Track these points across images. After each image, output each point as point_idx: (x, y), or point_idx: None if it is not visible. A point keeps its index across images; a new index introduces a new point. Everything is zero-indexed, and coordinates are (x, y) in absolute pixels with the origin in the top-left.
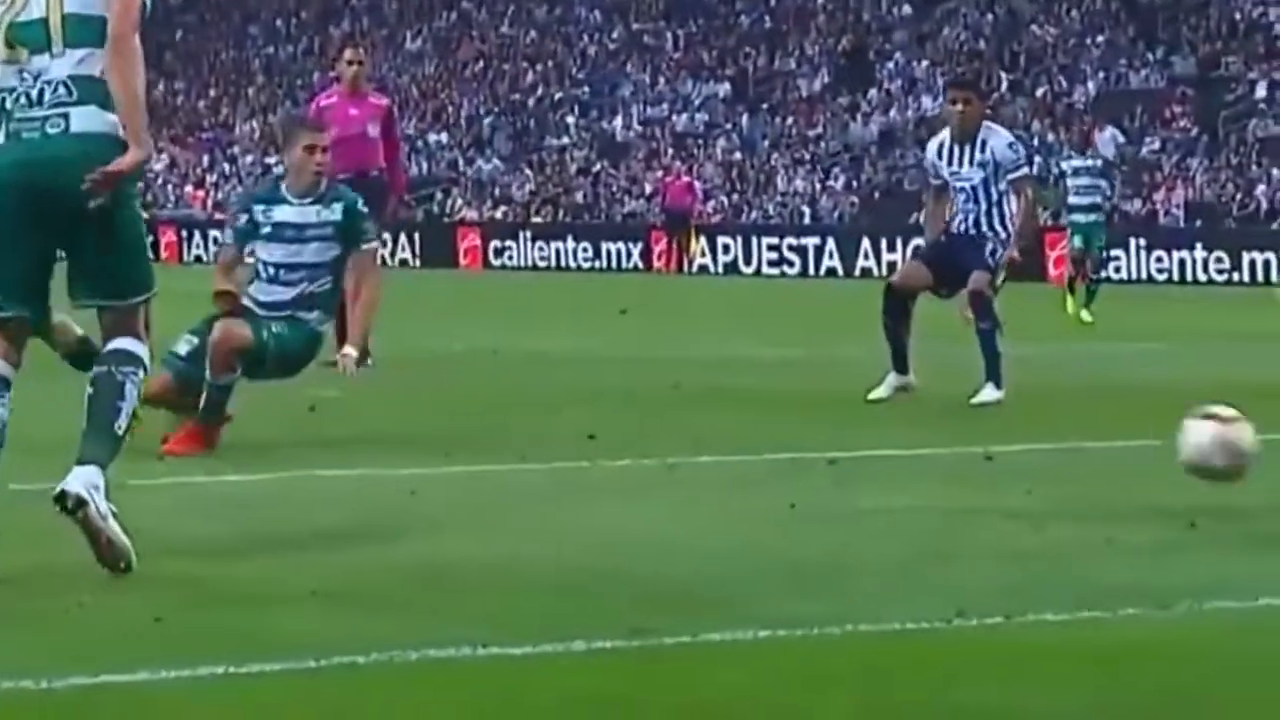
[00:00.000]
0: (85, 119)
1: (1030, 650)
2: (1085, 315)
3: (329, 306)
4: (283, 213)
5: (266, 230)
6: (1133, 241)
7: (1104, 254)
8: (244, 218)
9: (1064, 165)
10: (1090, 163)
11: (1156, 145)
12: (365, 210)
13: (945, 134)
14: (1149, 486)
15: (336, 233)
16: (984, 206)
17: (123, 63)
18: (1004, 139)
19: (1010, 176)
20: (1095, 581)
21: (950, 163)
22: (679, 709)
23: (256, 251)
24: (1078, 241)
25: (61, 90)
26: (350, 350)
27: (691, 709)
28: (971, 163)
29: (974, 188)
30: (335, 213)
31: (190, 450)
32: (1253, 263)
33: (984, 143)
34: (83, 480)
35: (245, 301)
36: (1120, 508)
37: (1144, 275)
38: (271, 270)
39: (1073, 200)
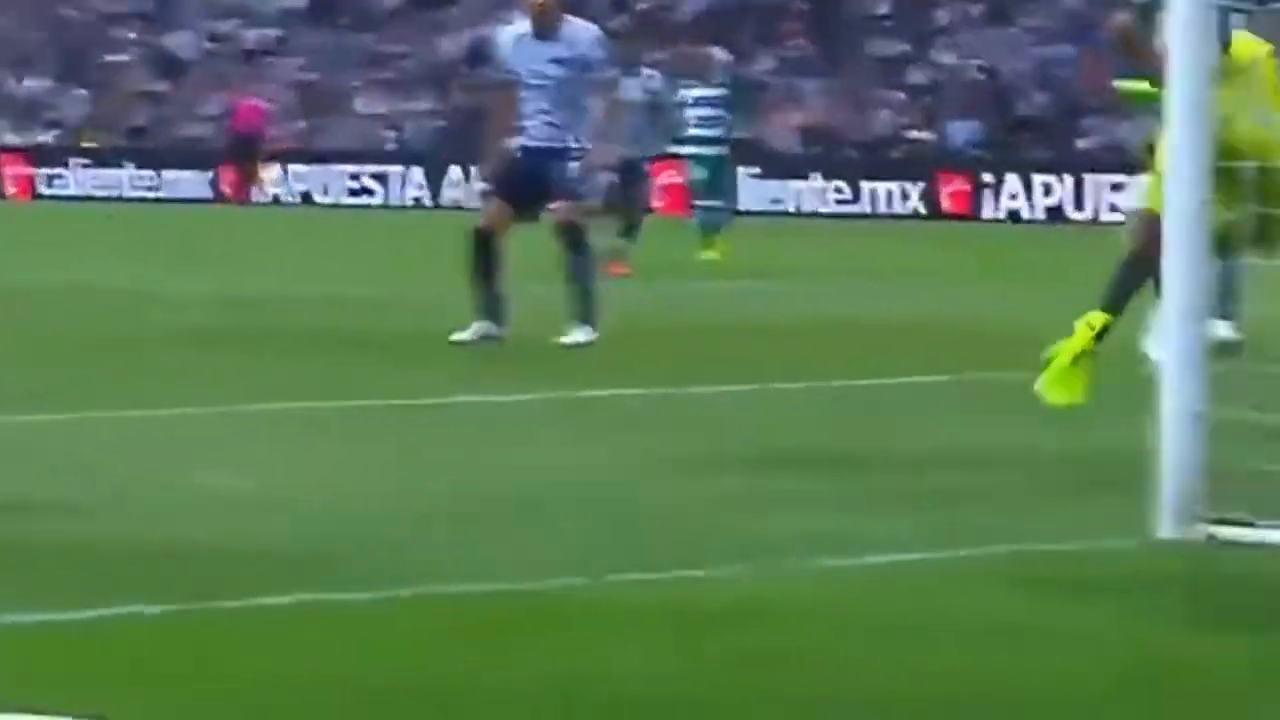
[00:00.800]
0: None
1: (614, 612)
2: (711, 253)
3: None
4: None
5: None
6: (743, 170)
7: (730, 187)
8: None
9: (684, 94)
10: (713, 92)
11: (768, 66)
12: None
13: (525, 25)
14: (753, 434)
15: None
16: (564, 113)
17: None
18: (589, 35)
19: (593, 76)
20: (691, 537)
21: (526, 58)
22: (236, 673)
23: None
24: (700, 173)
25: None
26: None
27: (257, 671)
28: (550, 59)
29: (552, 87)
30: None
31: None
32: (874, 193)
33: (566, 38)
34: None
35: None
36: (721, 457)
37: (756, 207)
38: None
39: (694, 132)
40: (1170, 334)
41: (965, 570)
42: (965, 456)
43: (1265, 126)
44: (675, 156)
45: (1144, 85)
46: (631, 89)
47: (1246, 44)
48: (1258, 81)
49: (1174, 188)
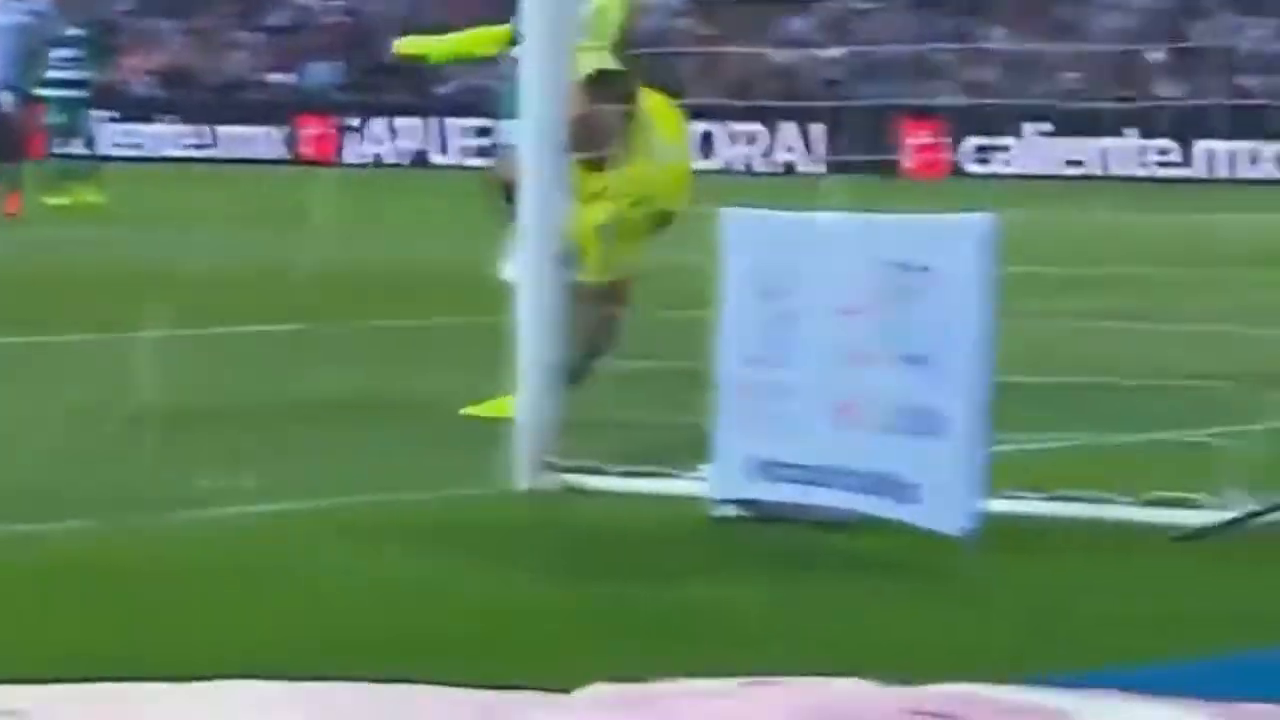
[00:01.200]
0: None
1: None
2: (63, 199)
3: None
4: None
5: None
6: (98, 114)
7: (90, 133)
8: None
9: (48, 33)
10: (72, 32)
11: (123, 6)
12: None
13: None
14: (99, 386)
15: None
16: None
17: None
18: None
19: None
20: (38, 492)
21: None
22: None
23: None
24: (59, 118)
25: None
26: None
27: None
28: None
29: None
30: None
31: None
32: (232, 137)
33: None
34: None
35: None
36: (70, 410)
37: (113, 151)
38: None
39: (53, 74)
40: (524, 287)
41: (315, 522)
42: (317, 407)
43: (667, 162)
44: (35, 99)
45: (427, 46)
46: (10, 13)
47: (646, 95)
48: (655, 123)
49: (530, 142)
